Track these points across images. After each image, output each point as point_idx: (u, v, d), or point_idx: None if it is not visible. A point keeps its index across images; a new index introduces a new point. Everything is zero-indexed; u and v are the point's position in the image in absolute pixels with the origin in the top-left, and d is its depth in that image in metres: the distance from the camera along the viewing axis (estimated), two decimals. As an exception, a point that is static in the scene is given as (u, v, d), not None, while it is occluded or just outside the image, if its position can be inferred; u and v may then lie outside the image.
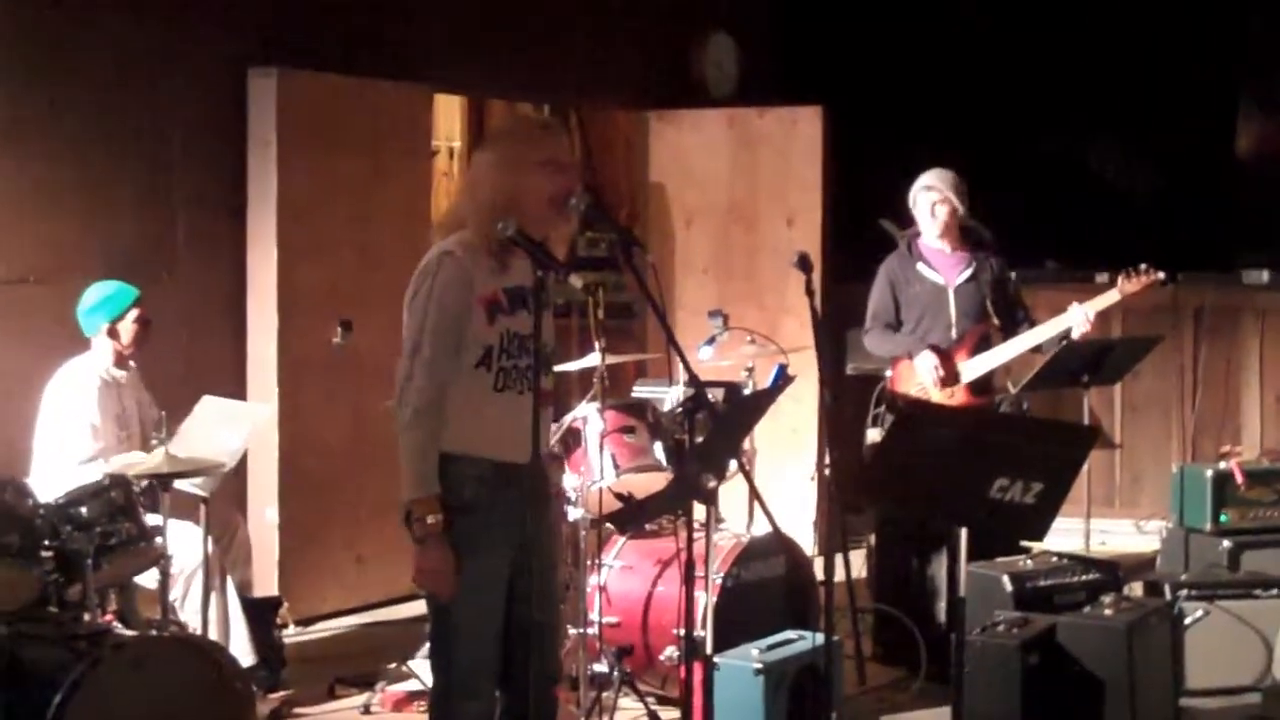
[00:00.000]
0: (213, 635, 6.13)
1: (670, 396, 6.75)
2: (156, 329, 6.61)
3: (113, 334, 6.42)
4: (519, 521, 4.36)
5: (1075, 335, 6.88)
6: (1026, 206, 9.87)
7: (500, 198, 4.35)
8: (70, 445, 6.22)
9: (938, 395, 6.82)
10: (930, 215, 6.95)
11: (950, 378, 6.84)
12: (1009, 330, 6.97)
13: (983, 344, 6.93)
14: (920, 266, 6.99)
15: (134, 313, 6.44)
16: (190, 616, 6.11)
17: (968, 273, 6.97)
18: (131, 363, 6.53)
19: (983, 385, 6.96)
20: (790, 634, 5.73)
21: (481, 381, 4.35)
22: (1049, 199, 10.32)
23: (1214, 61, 10.25)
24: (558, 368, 6.74)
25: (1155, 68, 10.25)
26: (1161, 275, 6.91)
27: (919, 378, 6.88)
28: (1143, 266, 6.87)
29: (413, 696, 6.30)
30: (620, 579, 6.39)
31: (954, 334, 6.92)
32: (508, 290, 4.38)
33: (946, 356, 6.86)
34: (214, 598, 6.17)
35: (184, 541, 6.04)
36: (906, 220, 7.20)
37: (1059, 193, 10.44)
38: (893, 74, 10.40)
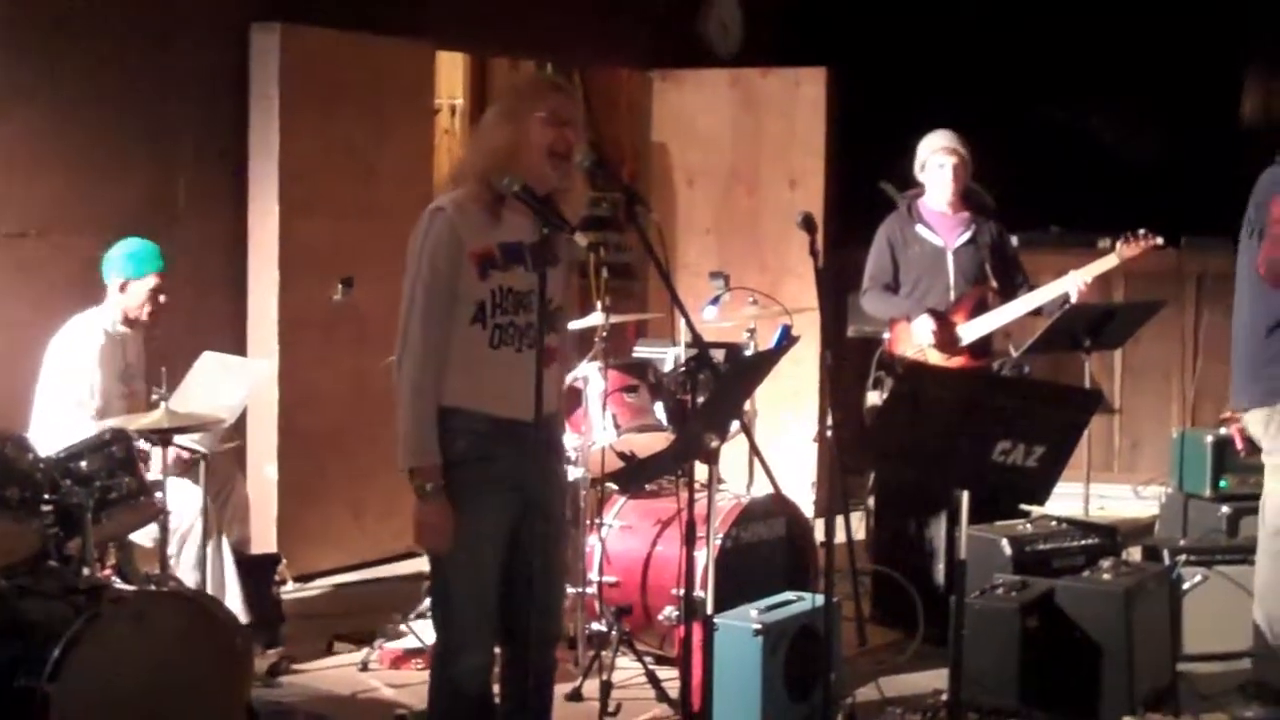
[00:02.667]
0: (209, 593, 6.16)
1: (671, 356, 6.74)
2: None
3: (124, 289, 6.40)
4: (518, 477, 4.37)
5: (1073, 299, 6.88)
6: (1030, 171, 9.85)
7: (500, 151, 4.36)
8: (66, 397, 6.21)
9: (935, 357, 6.82)
10: (953, 178, 6.90)
11: (948, 340, 6.83)
12: (1007, 293, 6.97)
13: (980, 306, 6.92)
14: (919, 228, 6.98)
15: (152, 280, 6.41)
16: (185, 573, 6.12)
17: (966, 235, 6.97)
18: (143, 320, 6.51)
19: (981, 348, 6.96)
20: (789, 595, 5.74)
21: (477, 338, 4.35)
22: (1053, 163, 10.31)
23: (1219, 25, 10.22)
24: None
25: (1160, 32, 10.22)
26: (1160, 240, 6.90)
27: (916, 339, 6.87)
28: (1141, 231, 6.87)
29: (410, 653, 6.31)
30: (620, 539, 6.40)
31: (952, 296, 6.91)
32: (503, 245, 4.38)
33: (944, 319, 6.85)
34: (210, 555, 6.18)
35: (181, 498, 6.04)
36: (907, 183, 7.17)
37: (1063, 157, 10.42)
38: (897, 37, 10.38)
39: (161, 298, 6.46)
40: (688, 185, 9.64)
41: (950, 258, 6.94)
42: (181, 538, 6.14)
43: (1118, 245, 6.90)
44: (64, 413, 6.18)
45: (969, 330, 6.88)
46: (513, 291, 4.39)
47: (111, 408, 6.21)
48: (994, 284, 6.97)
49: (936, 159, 6.95)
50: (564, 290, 4.55)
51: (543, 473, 4.40)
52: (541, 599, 4.41)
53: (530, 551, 4.37)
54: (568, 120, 4.43)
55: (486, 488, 4.35)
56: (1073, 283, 6.81)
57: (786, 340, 6.50)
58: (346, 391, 7.81)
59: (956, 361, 6.85)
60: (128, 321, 6.43)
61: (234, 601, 6.25)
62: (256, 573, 6.50)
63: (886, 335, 7.12)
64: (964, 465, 4.51)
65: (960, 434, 4.46)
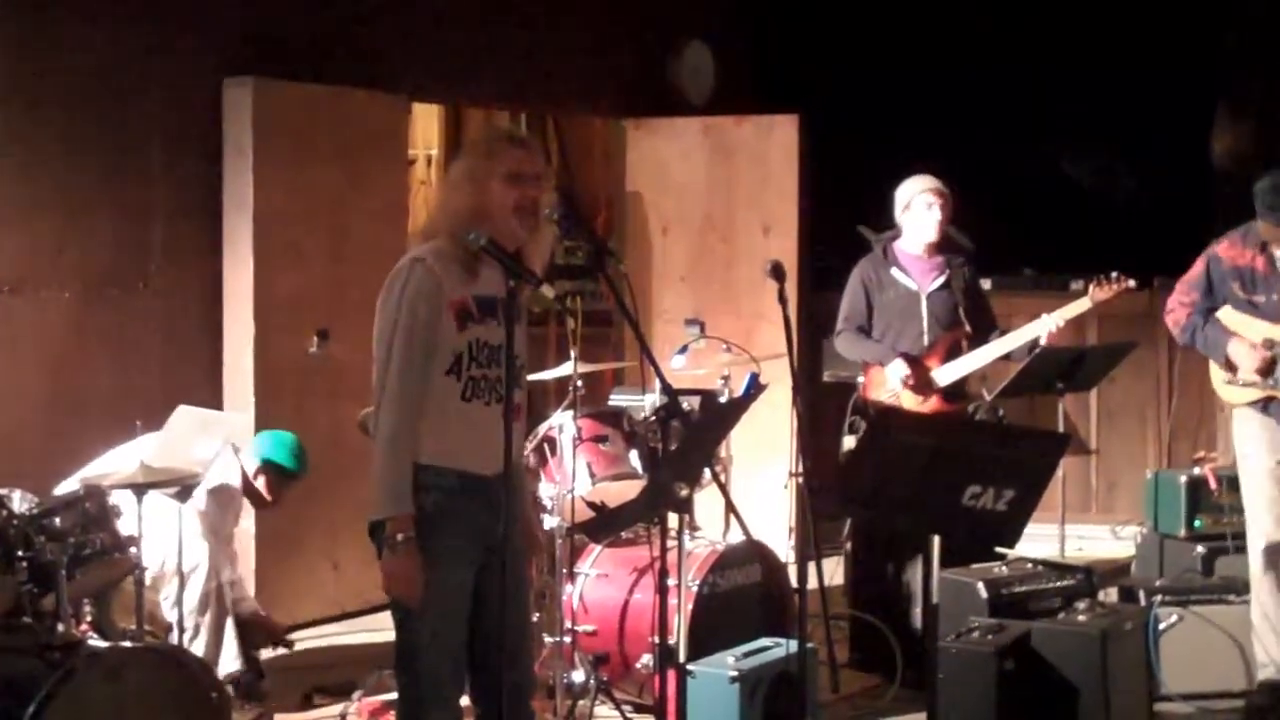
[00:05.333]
0: (202, 641, 6.24)
1: (647, 404, 6.76)
2: (131, 338, 6.61)
3: (258, 474, 6.69)
4: (483, 533, 4.37)
5: (1043, 342, 6.90)
6: (1004, 214, 9.89)
7: (464, 212, 4.38)
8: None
9: (909, 401, 6.83)
10: (941, 219, 6.92)
11: (922, 385, 6.84)
12: (980, 337, 6.97)
13: (954, 351, 6.93)
14: (894, 271, 6.99)
15: (287, 482, 6.79)
16: (187, 616, 6.19)
17: (941, 279, 6.97)
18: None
19: (955, 392, 6.96)
20: (766, 641, 5.74)
21: (450, 390, 4.35)
22: (1026, 206, 10.35)
23: (1190, 68, 10.29)
24: (533, 376, 6.79)
25: (1131, 75, 10.29)
26: (1133, 283, 6.93)
27: (890, 384, 6.88)
28: (1114, 274, 6.89)
29: (389, 705, 6.29)
30: (596, 587, 6.40)
31: (925, 341, 6.92)
32: (478, 298, 4.40)
33: (918, 364, 6.86)
34: (211, 605, 6.27)
35: (191, 541, 6.15)
36: (883, 227, 7.20)
37: (1036, 200, 10.47)
38: (869, 82, 10.43)
39: (272, 501, 6.81)
40: (662, 233, 9.67)
41: (924, 302, 6.95)
42: (185, 578, 6.16)
43: (1090, 288, 6.92)
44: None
45: (943, 375, 6.89)
46: (487, 345, 4.40)
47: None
48: (967, 328, 6.98)
49: (924, 199, 6.93)
50: (523, 345, 4.56)
51: (506, 527, 4.39)
52: (513, 652, 4.42)
53: (497, 606, 4.36)
54: (530, 175, 4.44)
55: (454, 543, 4.35)
56: (1044, 326, 6.83)
57: (754, 388, 6.51)
58: (323, 443, 7.78)
59: (930, 406, 6.86)
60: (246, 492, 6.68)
61: (230, 650, 6.34)
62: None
63: (860, 379, 7.13)
64: (934, 509, 4.53)
65: (930, 478, 4.47)
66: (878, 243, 7.12)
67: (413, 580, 4.29)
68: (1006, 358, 7.04)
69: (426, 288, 4.33)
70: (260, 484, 6.71)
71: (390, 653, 6.33)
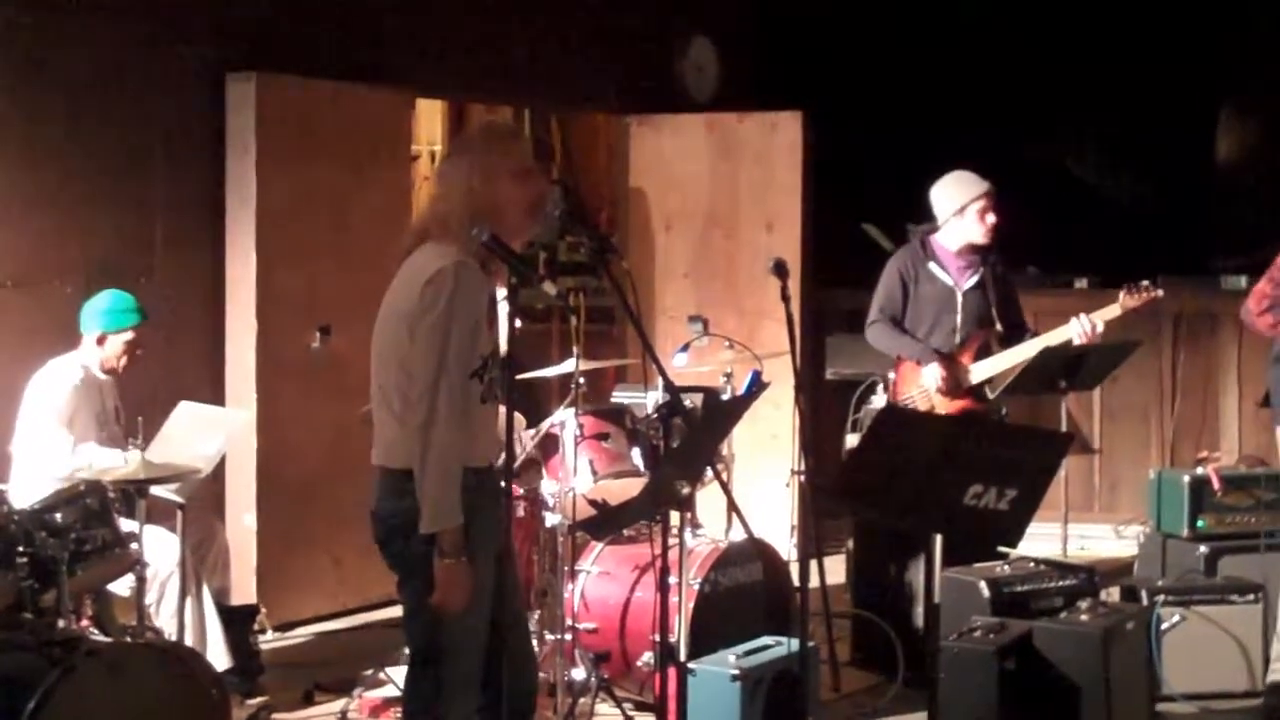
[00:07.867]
0: (189, 641, 6.14)
1: (649, 402, 6.75)
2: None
3: (101, 342, 6.43)
4: (496, 526, 4.39)
5: (1076, 343, 6.87)
6: (1008, 212, 9.88)
7: (478, 207, 4.31)
8: (45, 436, 6.20)
9: (940, 400, 6.78)
10: (994, 220, 6.86)
11: (956, 386, 6.80)
12: (1012, 336, 6.94)
13: (984, 349, 6.89)
14: (932, 266, 6.93)
15: (129, 334, 6.45)
16: (165, 622, 6.11)
17: (975, 278, 6.92)
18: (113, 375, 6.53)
19: (978, 390, 6.93)
20: (768, 640, 5.73)
21: (474, 393, 4.30)
22: (1030, 204, 10.33)
23: (1194, 68, 10.29)
24: (536, 373, 6.80)
25: (1136, 74, 10.29)
26: (1160, 293, 6.92)
27: (923, 382, 6.84)
28: (1144, 283, 6.87)
29: (389, 702, 6.29)
30: (598, 585, 6.39)
31: (958, 338, 6.88)
32: (490, 298, 4.38)
33: (953, 363, 6.81)
34: (189, 603, 6.17)
35: (159, 547, 6.03)
36: (886, 224, 7.15)
37: (1040, 198, 10.46)
38: (873, 79, 10.43)
39: (138, 351, 6.50)
40: (665, 230, 9.66)
41: (960, 299, 6.92)
42: (161, 586, 6.14)
43: (1121, 295, 6.89)
44: (44, 452, 6.17)
45: (976, 372, 6.85)
46: (497, 345, 4.39)
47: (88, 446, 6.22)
48: (998, 327, 6.94)
49: (979, 206, 6.86)
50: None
51: (506, 516, 4.41)
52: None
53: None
54: (536, 171, 4.44)
55: (480, 539, 4.33)
56: (1077, 328, 6.80)
57: (756, 386, 6.49)
58: (325, 439, 7.80)
59: (959, 405, 6.81)
60: (104, 370, 6.45)
61: (216, 648, 6.26)
62: (235, 623, 6.48)
63: (891, 375, 7.05)
64: (936, 509, 4.51)
65: (932, 477, 4.46)
66: (915, 235, 7.06)
67: (469, 588, 4.27)
68: None
69: (477, 293, 4.26)
70: (110, 354, 6.46)
71: (391, 649, 6.42)
